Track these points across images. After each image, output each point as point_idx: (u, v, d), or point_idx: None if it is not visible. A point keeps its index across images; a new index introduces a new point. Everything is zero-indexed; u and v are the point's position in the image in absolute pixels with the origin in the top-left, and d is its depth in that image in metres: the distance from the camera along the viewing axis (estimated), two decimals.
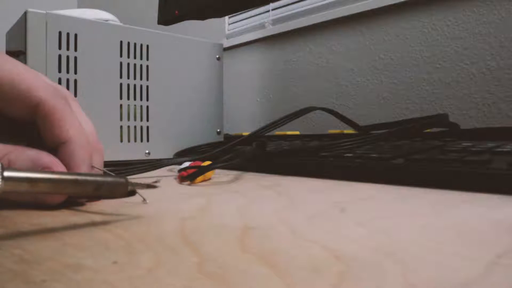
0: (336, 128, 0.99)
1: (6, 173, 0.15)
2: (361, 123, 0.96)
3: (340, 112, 1.01)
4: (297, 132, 0.68)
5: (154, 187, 0.23)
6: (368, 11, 0.92)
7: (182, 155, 0.49)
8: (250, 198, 0.25)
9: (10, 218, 0.20)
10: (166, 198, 0.25)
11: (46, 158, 0.21)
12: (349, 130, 0.52)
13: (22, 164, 0.20)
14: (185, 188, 0.30)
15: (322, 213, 0.20)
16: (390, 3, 0.88)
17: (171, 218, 0.20)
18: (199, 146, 0.57)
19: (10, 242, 0.15)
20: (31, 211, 0.21)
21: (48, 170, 0.20)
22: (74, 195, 0.21)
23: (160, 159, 0.48)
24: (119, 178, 0.20)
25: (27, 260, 0.13)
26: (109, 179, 0.19)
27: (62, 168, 0.21)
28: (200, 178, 0.32)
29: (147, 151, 0.57)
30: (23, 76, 0.21)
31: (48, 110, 0.21)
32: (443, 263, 0.12)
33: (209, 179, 0.34)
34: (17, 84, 0.21)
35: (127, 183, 0.20)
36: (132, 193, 0.21)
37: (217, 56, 0.67)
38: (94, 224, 0.19)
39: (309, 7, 1.08)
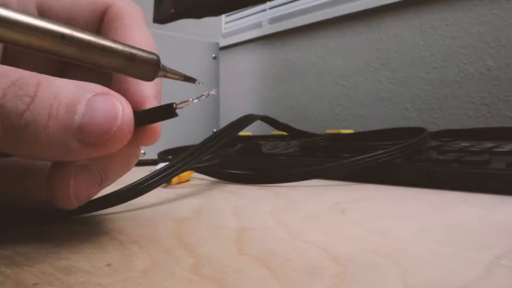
0: (332, 126, 0.99)
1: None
2: (359, 123, 0.96)
3: (337, 111, 1.01)
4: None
5: (193, 80, 0.18)
6: (365, 10, 0.92)
7: (166, 154, 0.49)
8: (247, 199, 0.25)
9: (1, 219, 0.19)
10: (158, 199, 0.25)
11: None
12: (346, 130, 0.52)
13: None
14: (170, 190, 0.30)
15: (321, 214, 0.20)
16: (388, 2, 0.88)
17: (166, 219, 0.19)
18: (186, 146, 0.56)
19: (1, 243, 0.15)
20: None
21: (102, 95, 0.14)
22: (98, 66, 0.15)
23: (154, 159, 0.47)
24: (152, 55, 0.16)
25: (18, 263, 0.13)
26: (143, 53, 0.15)
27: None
28: (175, 179, 0.31)
29: (142, 151, 0.57)
30: None
31: (115, 13, 0.18)
32: (443, 264, 0.12)
33: (187, 181, 0.33)
34: None
35: (159, 63, 0.16)
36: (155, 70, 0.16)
37: (214, 55, 0.67)
38: (88, 225, 0.18)
39: (306, 6, 1.08)
